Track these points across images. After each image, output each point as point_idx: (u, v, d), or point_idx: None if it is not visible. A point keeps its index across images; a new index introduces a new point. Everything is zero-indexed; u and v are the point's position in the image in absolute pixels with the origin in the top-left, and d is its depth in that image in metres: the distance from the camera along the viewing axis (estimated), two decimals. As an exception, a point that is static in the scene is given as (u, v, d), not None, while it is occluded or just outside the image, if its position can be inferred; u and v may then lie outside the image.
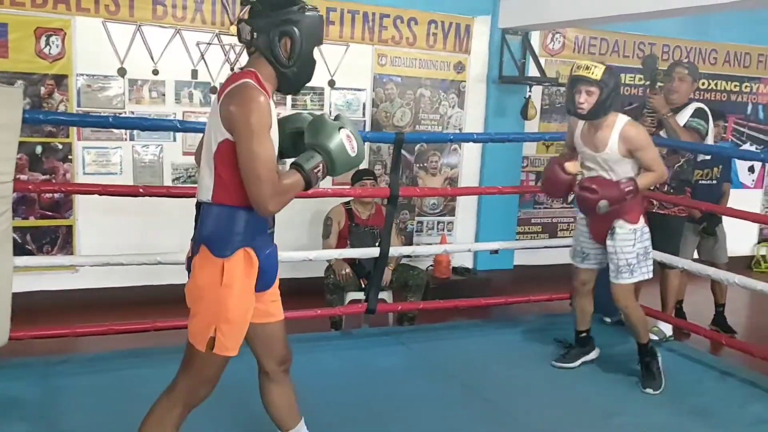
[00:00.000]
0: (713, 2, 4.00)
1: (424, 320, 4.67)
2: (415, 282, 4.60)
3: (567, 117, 6.27)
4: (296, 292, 4.98)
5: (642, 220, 3.51)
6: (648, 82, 4.55)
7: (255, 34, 2.09)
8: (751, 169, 7.33)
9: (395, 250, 4.14)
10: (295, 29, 2.09)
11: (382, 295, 4.47)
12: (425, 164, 5.90)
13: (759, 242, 7.42)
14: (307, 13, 2.12)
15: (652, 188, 4.46)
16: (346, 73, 5.44)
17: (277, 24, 2.08)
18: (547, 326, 4.33)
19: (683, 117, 4.28)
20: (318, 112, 2.05)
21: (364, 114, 5.59)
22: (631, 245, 3.45)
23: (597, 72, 3.27)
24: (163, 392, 2.19)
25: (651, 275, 3.55)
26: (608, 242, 3.49)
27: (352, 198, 4.69)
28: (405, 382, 3.45)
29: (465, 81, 5.87)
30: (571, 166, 3.47)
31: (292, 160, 2.17)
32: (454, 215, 6.13)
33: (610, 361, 3.83)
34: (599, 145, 3.41)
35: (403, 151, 5.72)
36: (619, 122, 3.38)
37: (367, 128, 5.57)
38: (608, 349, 4.04)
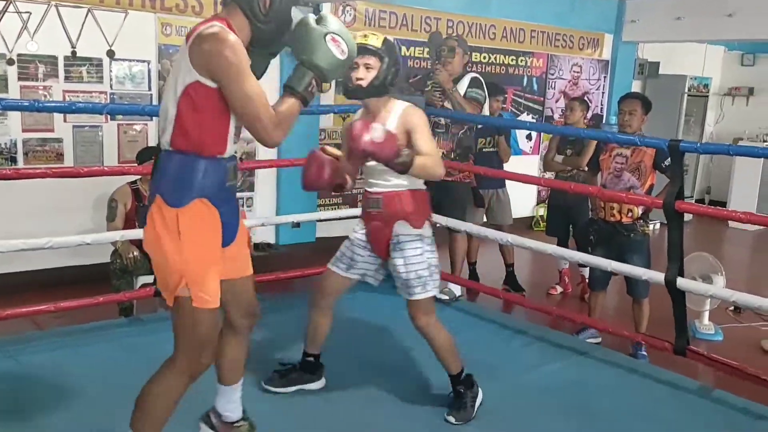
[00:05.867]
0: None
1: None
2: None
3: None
4: (81, 279, 4.66)
5: (428, 225, 2.90)
6: (434, 58, 4.77)
7: None
8: (529, 137, 7.99)
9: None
10: None
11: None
12: (220, 139, 5.69)
13: (537, 204, 8.14)
14: None
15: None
16: (126, 42, 5.08)
17: None
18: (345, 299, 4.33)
19: (461, 87, 4.55)
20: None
21: (150, 87, 5.26)
22: (419, 254, 2.82)
23: (376, 40, 2.71)
24: (164, 362, 2.12)
25: (438, 291, 2.99)
26: (393, 255, 2.85)
27: (139, 177, 4.39)
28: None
29: (257, 52, 5.73)
30: (332, 150, 2.87)
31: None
32: (253, 191, 6.01)
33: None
34: None
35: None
36: (399, 107, 2.81)
37: (154, 102, 5.25)
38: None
